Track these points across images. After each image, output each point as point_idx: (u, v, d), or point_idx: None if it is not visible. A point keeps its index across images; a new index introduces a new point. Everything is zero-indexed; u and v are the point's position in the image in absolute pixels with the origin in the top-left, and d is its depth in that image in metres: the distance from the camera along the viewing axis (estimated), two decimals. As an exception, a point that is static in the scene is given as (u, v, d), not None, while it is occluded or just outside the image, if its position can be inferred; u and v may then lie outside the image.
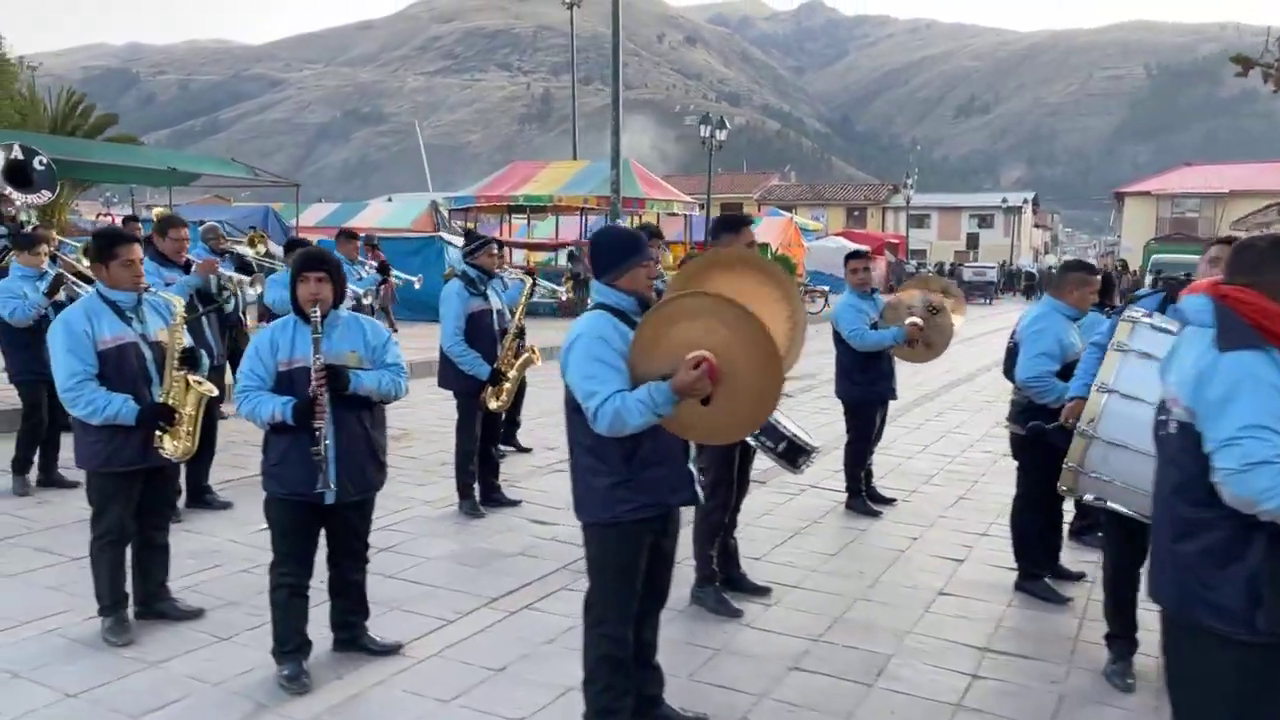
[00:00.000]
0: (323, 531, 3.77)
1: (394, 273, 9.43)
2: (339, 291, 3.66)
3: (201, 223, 10.38)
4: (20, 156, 9.93)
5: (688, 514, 3.88)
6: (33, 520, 5.60)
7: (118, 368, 3.84)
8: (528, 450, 7.88)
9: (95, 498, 3.92)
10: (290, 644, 3.63)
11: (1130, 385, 3.56)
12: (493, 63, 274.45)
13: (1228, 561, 2.24)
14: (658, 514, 3.10)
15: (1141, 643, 3.89)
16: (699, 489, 3.23)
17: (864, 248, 7.30)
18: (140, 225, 9.95)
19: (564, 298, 15.84)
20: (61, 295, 6.13)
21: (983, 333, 20.90)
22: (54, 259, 7.17)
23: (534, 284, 6.56)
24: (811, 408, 9.96)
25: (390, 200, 43.21)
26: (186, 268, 5.75)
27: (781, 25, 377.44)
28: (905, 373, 6.90)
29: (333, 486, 3.53)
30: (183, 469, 4.91)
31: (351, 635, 3.88)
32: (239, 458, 6.86)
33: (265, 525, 5.58)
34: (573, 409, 3.04)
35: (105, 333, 3.84)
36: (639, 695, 3.22)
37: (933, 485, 7.10)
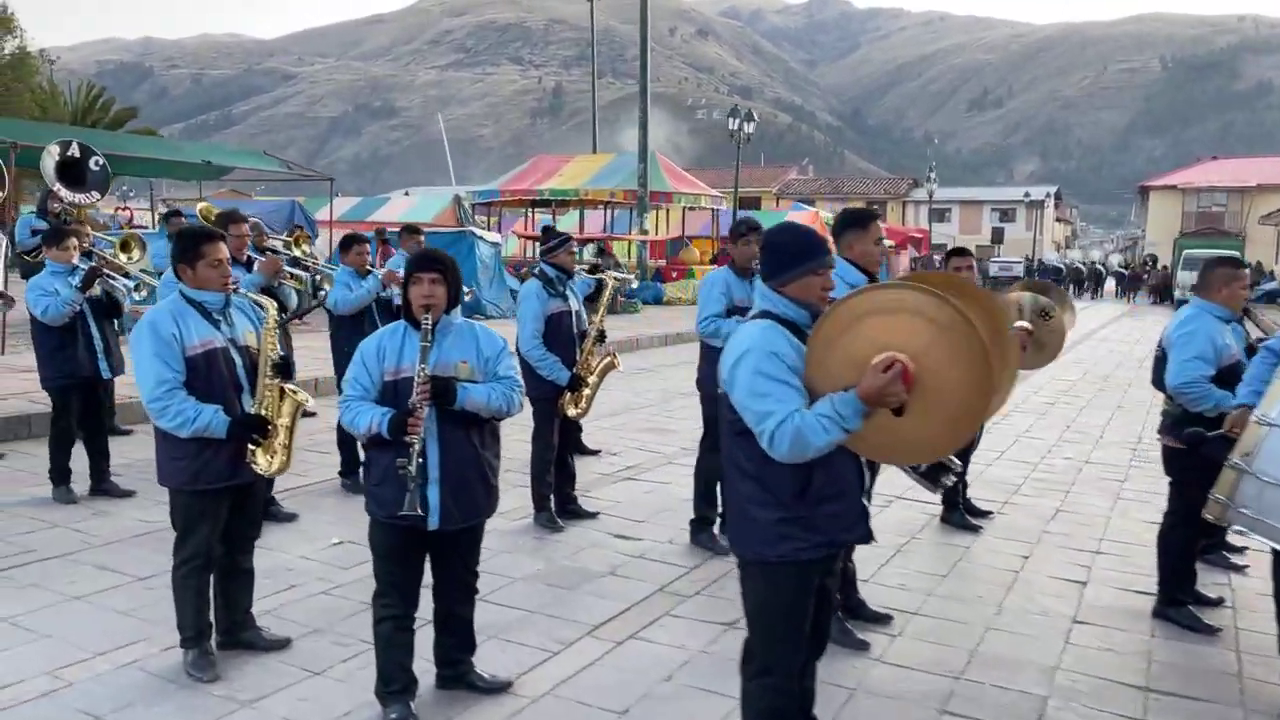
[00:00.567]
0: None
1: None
2: (454, 294, 3.32)
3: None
4: (77, 155, 9.68)
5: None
6: (90, 534, 5.29)
7: (206, 375, 3.52)
8: (595, 453, 7.54)
9: (180, 518, 3.59)
10: (396, 683, 3.31)
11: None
12: (504, 56, 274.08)
13: None
14: (829, 553, 2.76)
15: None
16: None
17: (964, 246, 6.90)
18: (185, 219, 9.66)
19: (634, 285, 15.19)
20: (97, 290, 5.84)
21: (1021, 330, 20.46)
22: (88, 254, 6.87)
23: (613, 283, 6.19)
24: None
25: (407, 194, 42.95)
26: (248, 265, 5.43)
27: (793, 18, 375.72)
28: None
29: (419, 510, 3.16)
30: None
31: (457, 672, 3.55)
32: (301, 464, 6.53)
33: (337, 540, 5.33)
34: (736, 431, 2.69)
35: (193, 337, 3.51)
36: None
37: (1023, 496, 6.73)
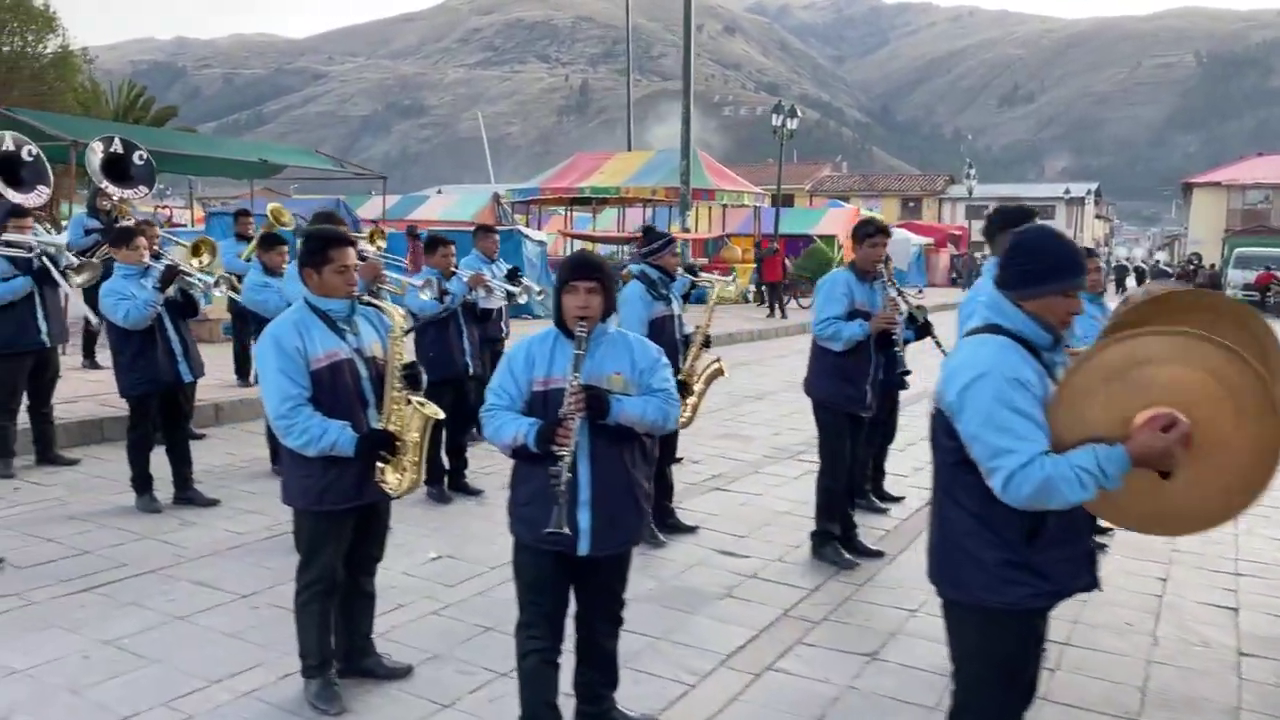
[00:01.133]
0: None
1: (524, 280, 8.41)
2: (609, 303, 3.07)
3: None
4: (120, 150, 9.50)
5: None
6: (181, 547, 5.10)
7: (332, 389, 3.29)
8: (678, 460, 7.26)
9: (305, 540, 3.37)
10: (543, 724, 3.06)
11: None
12: (532, 54, 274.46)
13: None
14: (1056, 602, 2.49)
15: None
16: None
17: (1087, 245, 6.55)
18: (252, 220, 9.51)
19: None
20: (171, 290, 5.65)
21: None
22: (156, 255, 6.71)
23: (719, 287, 5.92)
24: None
25: (440, 192, 42.94)
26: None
27: (821, 14, 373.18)
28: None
29: (566, 528, 2.90)
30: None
31: (599, 709, 3.29)
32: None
33: (434, 554, 5.11)
34: (956, 461, 2.42)
35: (318, 349, 3.28)
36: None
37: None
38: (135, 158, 9.58)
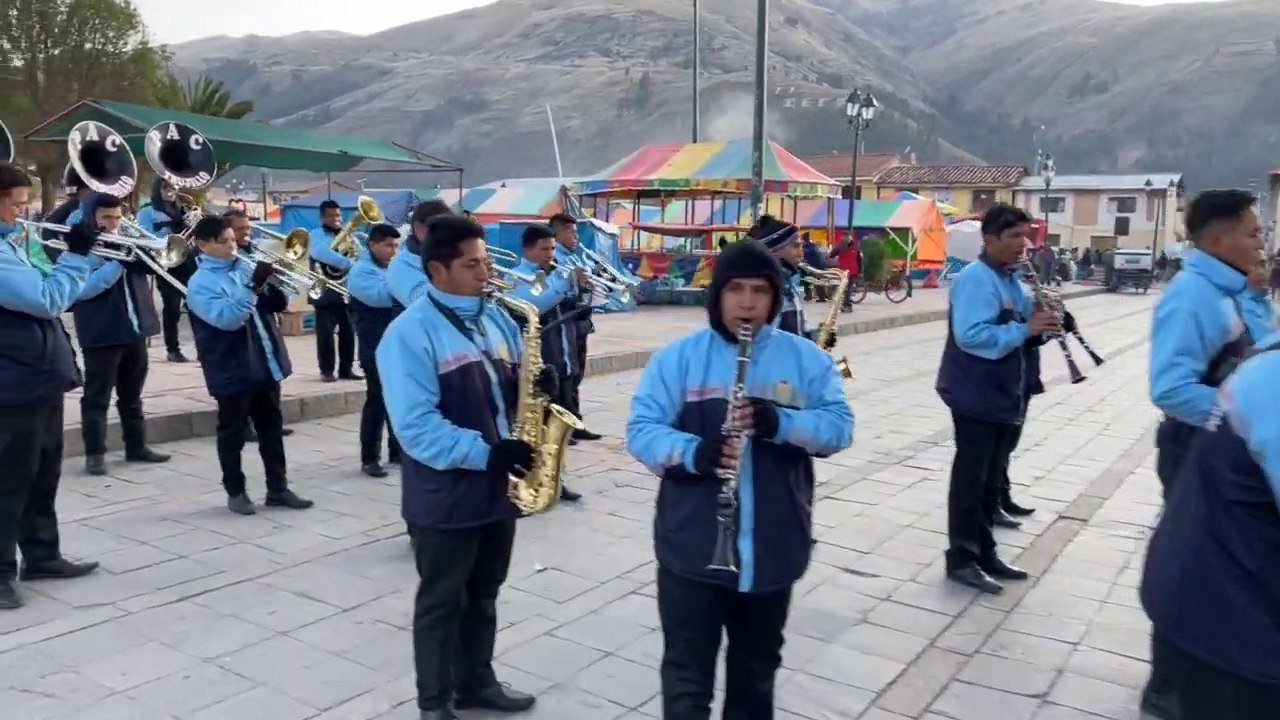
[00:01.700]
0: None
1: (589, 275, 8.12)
2: (777, 303, 2.69)
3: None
4: (176, 137, 9.34)
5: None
6: (277, 552, 4.86)
7: (461, 395, 2.97)
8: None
9: (430, 560, 3.05)
10: (695, 776, 2.70)
11: None
12: (592, 48, 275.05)
13: None
14: None
15: None
16: None
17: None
18: (339, 212, 9.32)
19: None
20: (262, 288, 5.41)
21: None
22: (247, 248, 6.50)
23: (842, 283, 5.50)
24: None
25: (504, 185, 42.93)
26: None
27: (886, 4, 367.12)
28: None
29: (732, 564, 2.52)
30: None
31: (753, 759, 2.93)
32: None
33: (540, 566, 4.79)
34: (1240, 500, 1.98)
35: (446, 351, 2.96)
36: None
37: None
38: (192, 142, 9.40)
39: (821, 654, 3.90)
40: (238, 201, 32.57)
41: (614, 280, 6.89)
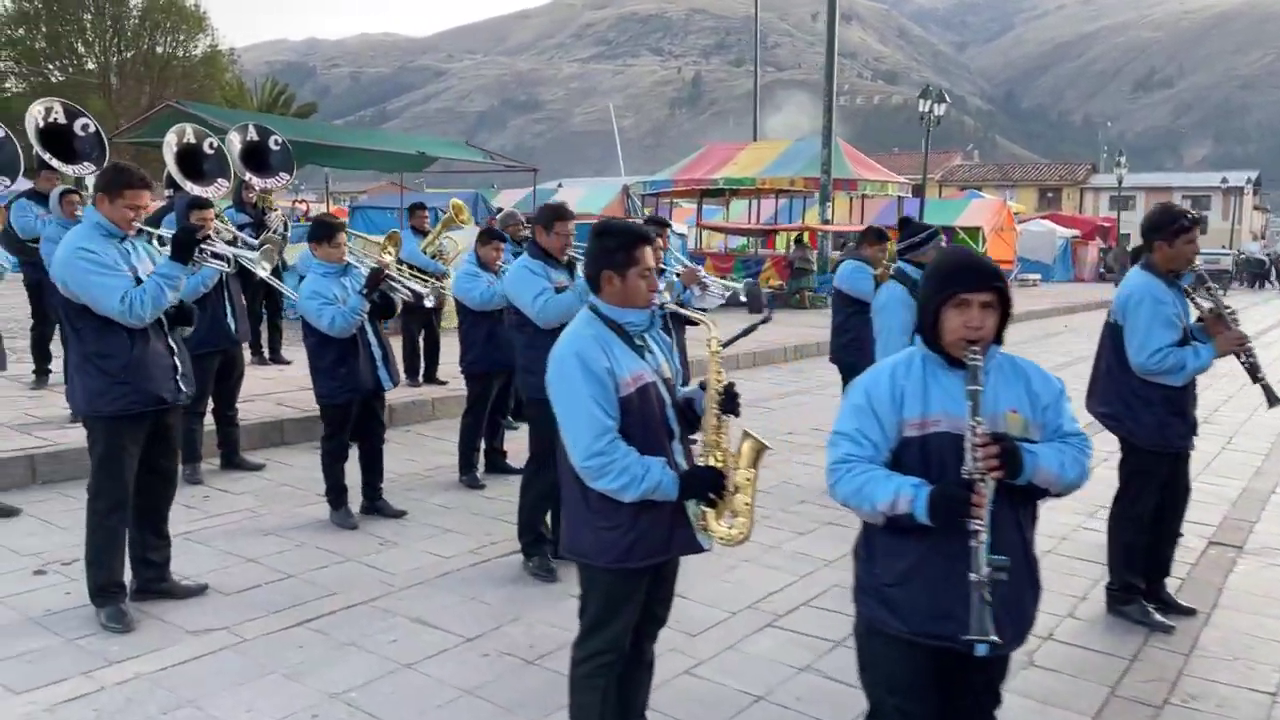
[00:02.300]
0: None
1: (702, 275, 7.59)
2: (1004, 320, 2.35)
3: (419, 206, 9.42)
4: (255, 138, 9.20)
5: None
6: (387, 572, 4.63)
7: (642, 419, 2.66)
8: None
9: (600, 602, 2.74)
10: None
11: None
12: (645, 47, 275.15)
13: None
14: None
15: None
16: None
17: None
18: (428, 213, 9.14)
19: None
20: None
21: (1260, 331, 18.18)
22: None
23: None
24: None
25: (561, 186, 42.82)
26: (571, 268, 4.63)
27: (942, 0, 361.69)
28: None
29: (994, 635, 2.18)
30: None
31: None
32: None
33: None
34: None
35: (624, 371, 2.66)
36: None
37: None
38: (271, 143, 9.25)
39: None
40: (301, 203, 32.86)
41: (739, 289, 6.55)
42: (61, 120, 7.38)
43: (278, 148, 9.24)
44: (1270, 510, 6.24)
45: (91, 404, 3.88)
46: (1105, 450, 4.46)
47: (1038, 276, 31.57)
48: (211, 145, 7.85)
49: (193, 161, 7.64)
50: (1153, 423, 4.05)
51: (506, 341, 6.29)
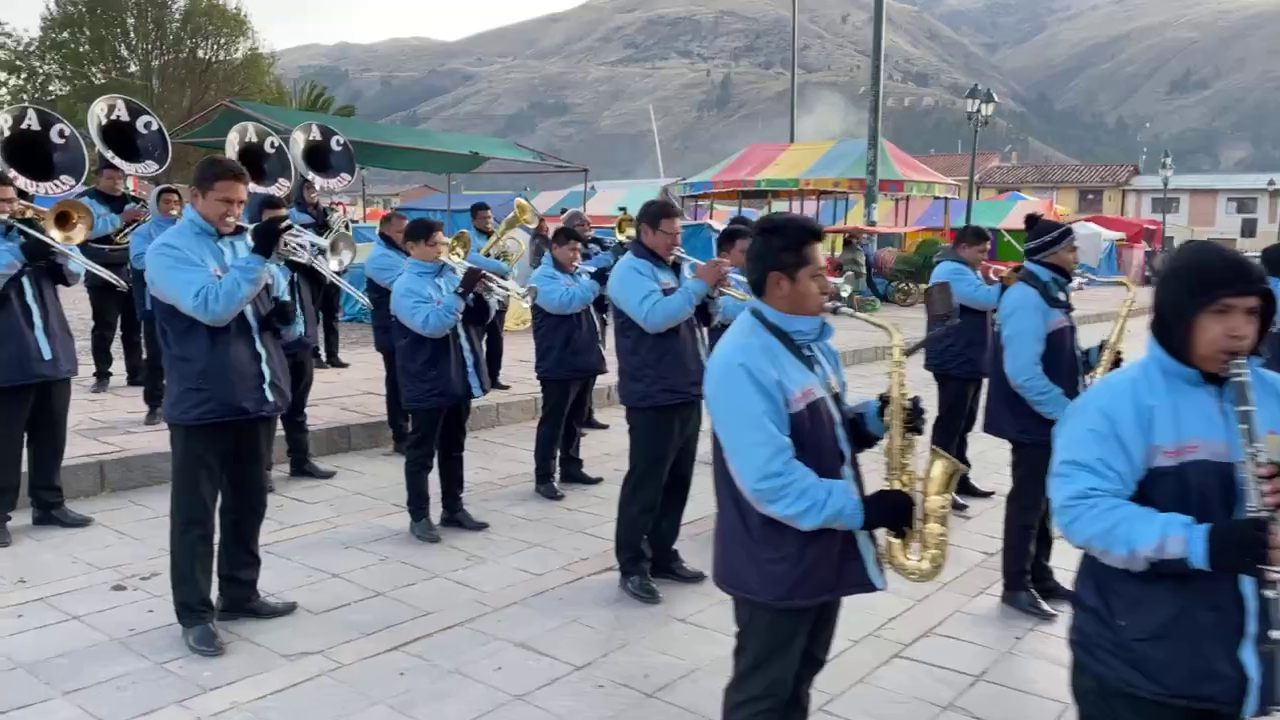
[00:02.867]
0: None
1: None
2: (1265, 329, 2.03)
3: (483, 208, 9.18)
4: (318, 138, 9.01)
5: None
6: (478, 589, 4.36)
7: (814, 439, 2.37)
8: (988, 494, 6.13)
9: (760, 643, 2.45)
10: None
11: None
12: (674, 50, 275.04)
13: None
14: None
15: None
16: None
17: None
18: (491, 214, 8.91)
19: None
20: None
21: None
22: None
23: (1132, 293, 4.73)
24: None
25: (594, 189, 42.61)
26: (675, 269, 4.34)
27: (973, 1, 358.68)
28: None
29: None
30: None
31: None
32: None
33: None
34: None
35: (792, 385, 2.37)
36: None
37: None
38: (333, 143, 9.06)
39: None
40: (337, 205, 32.88)
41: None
42: (124, 118, 7.23)
43: (339, 148, 9.06)
44: None
45: (171, 411, 3.65)
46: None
47: (1088, 276, 30.94)
48: (272, 144, 7.67)
49: (254, 161, 7.46)
50: None
51: (585, 345, 6.06)
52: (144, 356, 7.01)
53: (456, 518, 5.27)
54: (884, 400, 2.48)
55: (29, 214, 5.08)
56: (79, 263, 4.86)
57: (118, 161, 7.13)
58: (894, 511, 2.37)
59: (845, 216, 28.05)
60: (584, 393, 6.29)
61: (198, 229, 3.67)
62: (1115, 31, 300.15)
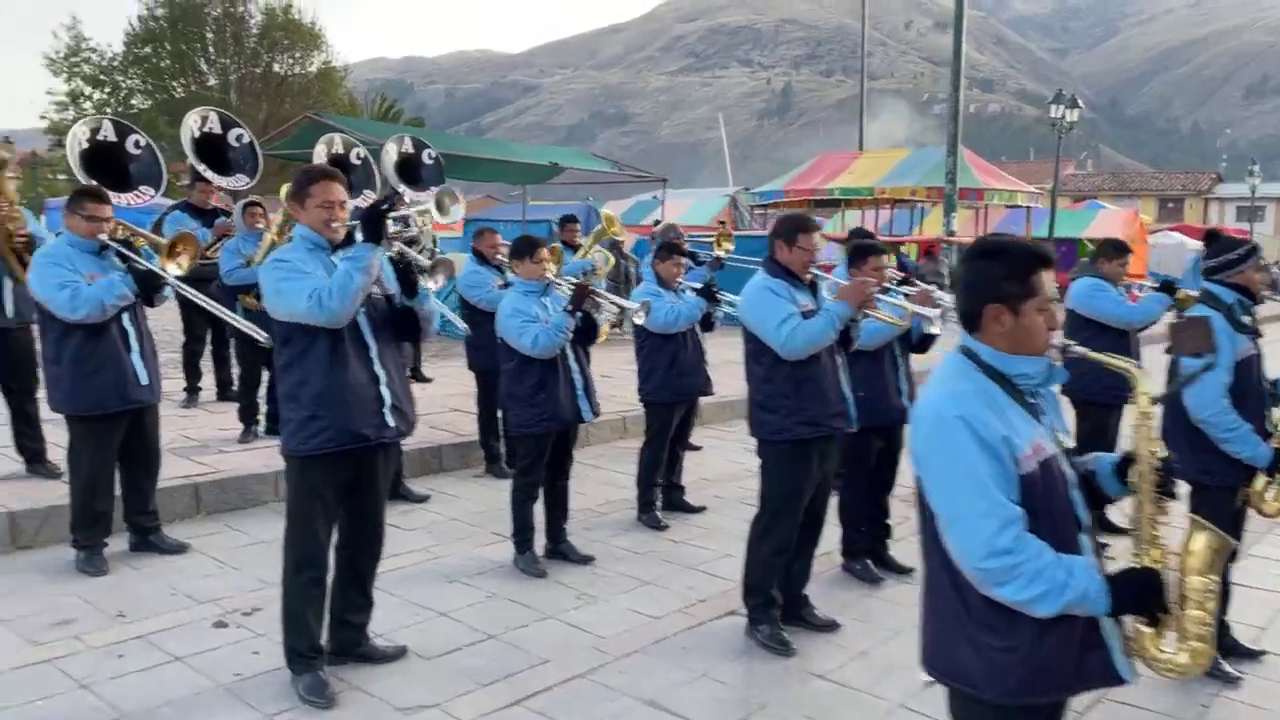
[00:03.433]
0: None
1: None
2: None
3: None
4: (411, 150, 8.82)
5: None
6: (594, 634, 4.05)
7: (1048, 505, 2.00)
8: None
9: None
10: None
11: None
12: (734, 59, 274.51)
13: None
14: None
15: None
16: None
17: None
18: (579, 227, 8.67)
19: None
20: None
21: None
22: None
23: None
24: None
25: (655, 198, 42.40)
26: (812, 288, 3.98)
27: (1042, 6, 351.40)
28: None
29: None
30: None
31: None
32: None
33: (929, 679, 3.81)
34: None
35: (1022, 440, 2.01)
36: None
37: None
38: (425, 156, 8.85)
39: None
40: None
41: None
42: (217, 130, 7.11)
43: (431, 161, 8.88)
44: None
45: (287, 440, 3.42)
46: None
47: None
48: (359, 156, 7.51)
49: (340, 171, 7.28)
50: None
51: (691, 366, 5.73)
52: (235, 371, 6.87)
53: (561, 549, 4.98)
54: (1126, 459, 2.11)
55: (120, 231, 4.94)
56: (174, 287, 4.70)
57: (209, 175, 7.01)
58: (1146, 594, 1.98)
59: (920, 225, 27.36)
60: (689, 415, 5.96)
61: (310, 244, 3.44)
62: (1190, 35, 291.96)
